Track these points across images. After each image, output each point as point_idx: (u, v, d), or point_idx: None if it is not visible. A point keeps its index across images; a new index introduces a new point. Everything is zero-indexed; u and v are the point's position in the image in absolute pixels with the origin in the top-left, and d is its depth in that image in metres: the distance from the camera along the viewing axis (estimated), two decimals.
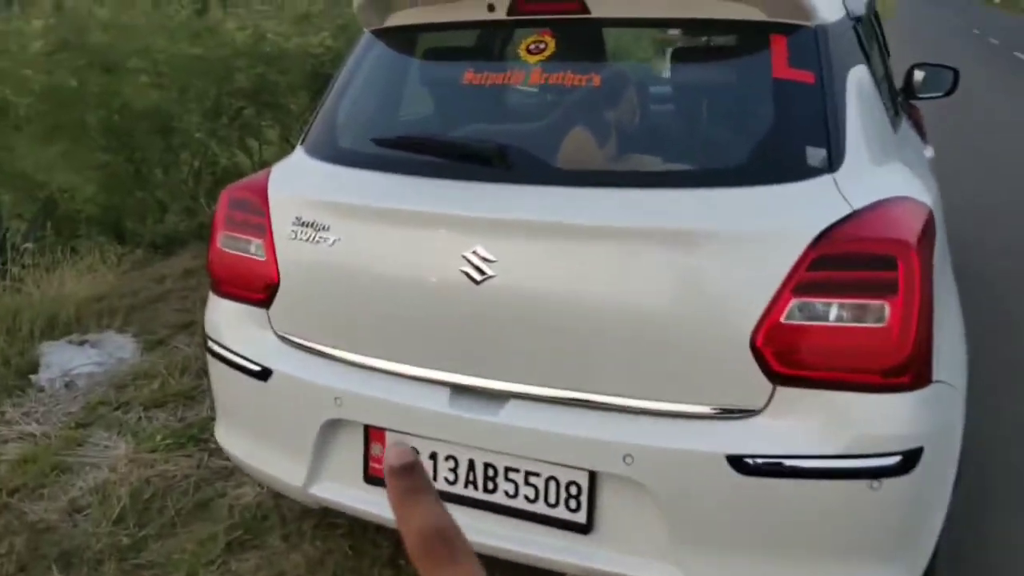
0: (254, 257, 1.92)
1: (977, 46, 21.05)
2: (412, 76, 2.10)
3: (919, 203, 1.66)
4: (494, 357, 1.69)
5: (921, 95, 3.42)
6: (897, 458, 1.48)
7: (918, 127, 3.42)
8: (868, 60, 1.95)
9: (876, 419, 1.50)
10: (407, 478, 0.42)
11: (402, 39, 2.06)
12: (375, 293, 1.78)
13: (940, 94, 3.41)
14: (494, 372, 1.70)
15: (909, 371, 1.49)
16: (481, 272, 1.63)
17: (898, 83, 3.43)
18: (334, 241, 1.80)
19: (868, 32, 2.47)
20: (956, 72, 3.39)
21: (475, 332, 1.69)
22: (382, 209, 1.77)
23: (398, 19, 2.01)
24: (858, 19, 2.00)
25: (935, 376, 1.53)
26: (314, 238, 1.82)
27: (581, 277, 1.60)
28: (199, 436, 2.76)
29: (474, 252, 1.64)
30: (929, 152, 3.02)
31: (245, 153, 6.54)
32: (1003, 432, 2.86)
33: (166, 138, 5.82)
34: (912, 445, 1.50)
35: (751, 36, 1.75)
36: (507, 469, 1.69)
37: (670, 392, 1.59)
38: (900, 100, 3.26)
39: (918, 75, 3.46)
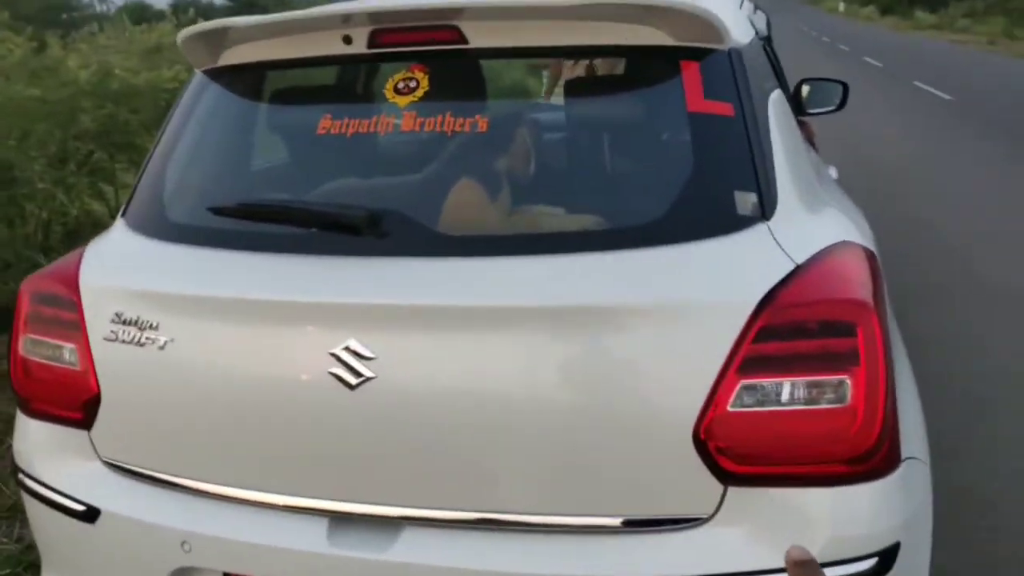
0: (67, 366, 1.51)
1: (828, 52, 22.27)
2: (257, 126, 1.73)
3: (860, 248, 1.44)
4: (380, 476, 1.35)
5: (811, 111, 3.31)
6: (872, 561, 1.24)
7: (811, 144, 3.31)
8: (782, 83, 1.74)
9: (846, 518, 1.25)
10: None
11: (243, 80, 1.70)
12: (221, 405, 1.41)
13: (831, 108, 3.32)
14: (382, 495, 1.35)
15: (878, 454, 1.25)
16: (356, 373, 1.29)
17: None
18: (165, 342, 1.41)
19: (771, 52, 2.29)
20: (845, 85, 3.31)
21: (354, 447, 1.35)
22: (223, 299, 1.40)
23: (235, 56, 1.65)
24: (766, 38, 1.79)
25: (904, 454, 1.30)
26: (139, 339, 1.43)
27: (481, 372, 1.29)
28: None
29: (346, 348, 1.29)
30: (833, 172, 2.89)
31: (100, 200, 5.95)
32: None
33: (7, 189, 5.19)
34: (889, 542, 1.26)
35: (659, 64, 1.49)
36: None
37: (601, 504, 1.29)
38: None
39: (806, 90, 3.36)
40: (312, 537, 1.36)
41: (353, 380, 1.29)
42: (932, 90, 12.95)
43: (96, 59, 7.08)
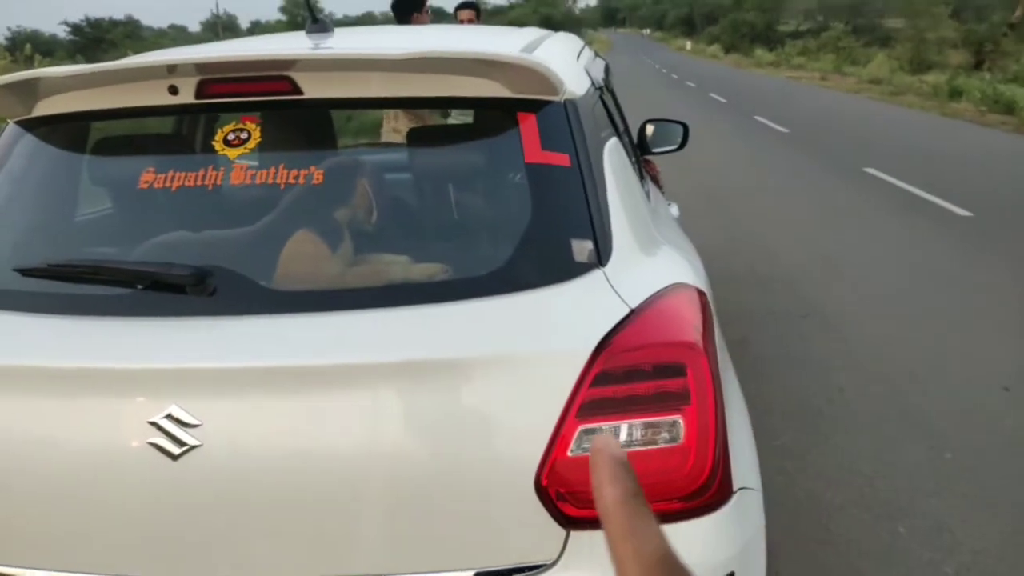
0: None
1: (677, 89, 23.52)
2: (73, 179, 1.62)
3: (691, 289, 1.51)
4: (211, 552, 1.28)
5: (655, 150, 3.47)
6: None
7: (655, 182, 3.46)
8: (617, 131, 1.81)
9: (682, 552, 1.29)
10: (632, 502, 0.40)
11: (60, 131, 1.59)
12: (40, 484, 1.30)
13: (674, 147, 3.48)
14: (215, 573, 1.28)
15: (711, 488, 1.30)
16: (179, 443, 1.22)
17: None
18: None
19: (609, 99, 2.38)
20: (685, 126, 3.48)
21: (181, 522, 1.27)
22: (30, 368, 1.29)
23: (51, 106, 1.55)
24: (602, 88, 1.86)
25: (736, 485, 1.37)
26: None
27: (316, 433, 1.25)
28: None
29: (167, 416, 1.22)
30: (675, 210, 3.03)
31: None
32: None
33: None
34: (723, 573, 1.31)
35: (497, 116, 1.52)
36: None
37: (450, 559, 1.28)
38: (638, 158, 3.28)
39: (650, 129, 3.52)
40: None
41: (176, 450, 1.22)
42: (771, 124, 13.92)
43: None
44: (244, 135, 1.46)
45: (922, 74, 23.69)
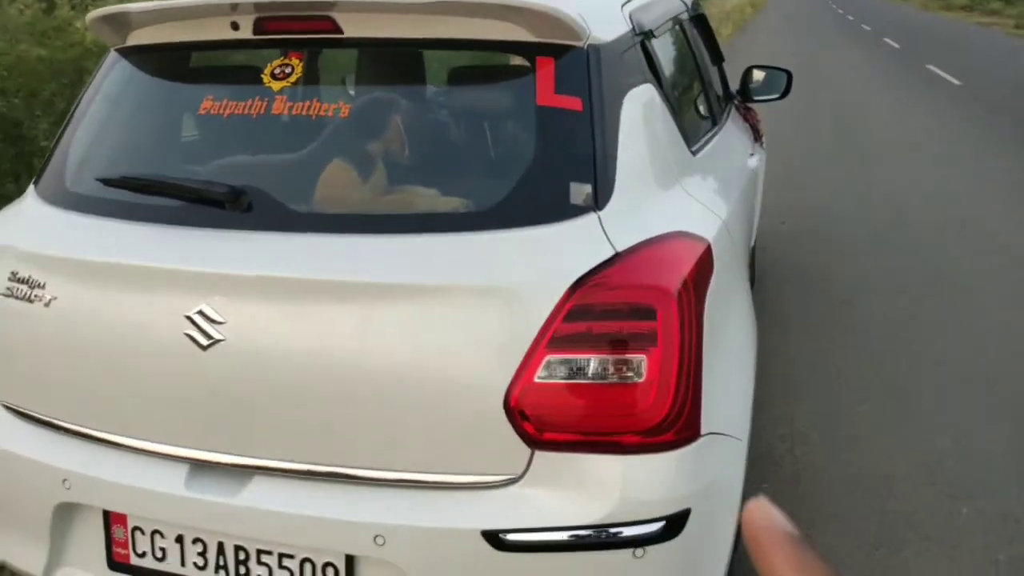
0: None
1: (849, 32, 21.92)
2: (156, 104, 1.85)
3: (694, 238, 1.54)
4: (232, 430, 1.49)
5: (757, 98, 3.38)
6: (660, 524, 1.37)
7: (754, 130, 3.38)
8: (658, 77, 1.83)
9: (638, 483, 1.38)
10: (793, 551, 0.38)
11: (147, 60, 1.81)
12: (96, 360, 1.55)
13: (776, 96, 3.38)
14: (234, 446, 1.50)
15: (672, 428, 1.37)
16: (207, 336, 1.42)
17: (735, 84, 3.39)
18: (50, 300, 1.55)
19: (676, 42, 2.36)
20: (789, 74, 3.37)
21: (208, 403, 1.49)
22: (97, 263, 1.53)
23: (141, 37, 1.76)
24: (648, 33, 1.87)
25: (704, 429, 1.42)
26: (29, 296, 1.57)
27: (321, 340, 1.41)
28: None
29: (199, 312, 1.43)
30: (754, 160, 2.96)
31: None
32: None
33: (16, 146, 5.36)
34: (677, 508, 1.38)
35: (519, 59, 1.59)
36: (259, 552, 1.50)
37: (424, 462, 1.43)
38: (736, 103, 3.21)
39: (757, 76, 3.42)
40: (173, 481, 1.51)
41: (204, 341, 1.42)
42: (943, 74, 12.81)
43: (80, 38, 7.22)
44: (288, 69, 1.62)
45: None
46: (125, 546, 1.59)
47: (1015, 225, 5.37)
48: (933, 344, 3.64)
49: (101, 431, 1.58)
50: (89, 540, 1.61)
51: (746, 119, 3.32)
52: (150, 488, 1.52)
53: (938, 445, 2.84)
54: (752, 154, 2.99)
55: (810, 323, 3.86)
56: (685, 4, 2.69)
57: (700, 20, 3.00)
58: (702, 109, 2.45)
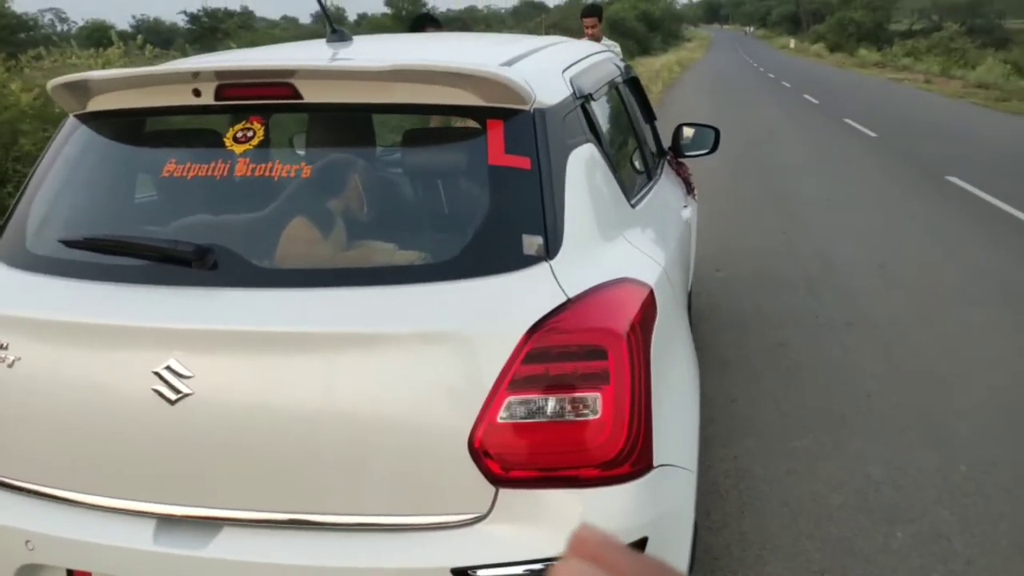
0: None
1: (770, 89, 22.99)
2: (117, 167, 1.90)
3: (638, 284, 1.66)
4: (200, 483, 1.52)
5: (688, 153, 3.57)
6: None
7: (686, 183, 3.57)
8: (598, 136, 1.96)
9: (598, 514, 1.46)
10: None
11: (107, 125, 1.87)
12: (62, 418, 1.57)
13: (705, 151, 3.58)
14: (202, 499, 1.53)
15: (627, 460, 1.46)
16: (175, 390, 1.47)
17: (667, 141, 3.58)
18: (13, 361, 1.57)
19: (612, 103, 2.52)
20: (717, 131, 3.57)
21: (176, 456, 1.52)
22: (63, 323, 1.57)
23: (101, 103, 1.82)
24: (587, 97, 2.02)
25: (656, 461, 1.52)
26: None
27: (287, 390, 1.47)
28: None
29: (167, 367, 1.47)
30: (687, 212, 3.14)
31: None
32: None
33: None
34: (635, 536, 1.47)
35: (471, 122, 1.70)
36: None
37: (393, 505, 1.48)
38: (668, 159, 3.40)
39: (687, 133, 3.62)
40: (140, 536, 1.53)
41: (172, 396, 1.47)
42: (860, 127, 13.55)
43: (41, 82, 7.17)
44: (250, 133, 1.70)
45: None
46: None
47: (929, 265, 5.70)
48: (862, 379, 3.83)
49: (65, 490, 1.59)
50: None
51: (678, 173, 3.51)
52: (117, 544, 1.53)
53: (872, 474, 3.00)
54: (685, 206, 3.17)
55: (748, 364, 4.03)
56: (619, 68, 2.88)
57: (633, 83, 3.20)
58: (638, 165, 2.60)
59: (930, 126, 13.81)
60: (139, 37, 12.39)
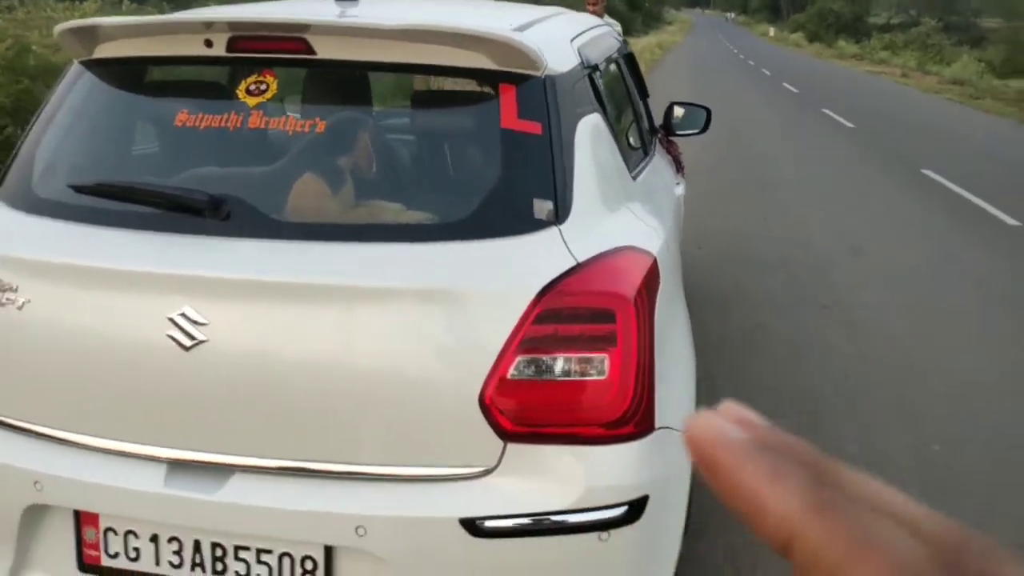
0: None
1: (751, 76, 23.12)
2: (124, 115, 1.89)
3: (643, 252, 1.69)
4: (212, 428, 1.54)
5: (679, 132, 3.60)
6: (623, 508, 1.49)
7: (676, 162, 3.61)
8: (603, 107, 1.99)
9: (602, 471, 1.50)
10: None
11: (113, 72, 1.85)
12: (73, 361, 1.58)
13: (696, 131, 3.61)
14: (213, 444, 1.54)
15: (631, 421, 1.50)
16: (190, 337, 1.48)
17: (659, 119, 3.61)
18: (23, 303, 1.57)
19: (613, 77, 2.55)
20: (708, 111, 3.60)
21: (189, 402, 1.53)
22: (76, 266, 1.57)
23: (107, 50, 1.81)
24: (594, 68, 2.04)
25: (658, 423, 1.56)
26: (1, 300, 1.59)
27: (302, 340, 1.49)
28: None
29: (181, 314, 1.48)
30: (680, 189, 3.18)
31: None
32: None
33: None
34: (637, 494, 1.51)
35: (482, 85, 1.72)
36: (237, 548, 1.55)
37: (402, 456, 1.51)
38: (659, 136, 3.44)
39: (678, 112, 3.65)
40: (151, 479, 1.54)
41: (187, 342, 1.48)
42: (837, 117, 13.70)
43: (13, 34, 7.01)
44: (263, 86, 1.70)
45: (1013, 78, 22.76)
46: (96, 547, 1.60)
47: (904, 251, 5.83)
48: (838, 358, 3.93)
49: (75, 433, 1.60)
50: (58, 543, 1.62)
51: (668, 151, 3.55)
52: (128, 487, 1.55)
53: (848, 451, 3.09)
54: (678, 183, 3.21)
55: (728, 343, 4.10)
56: (619, 42, 2.90)
57: (630, 58, 3.22)
58: (637, 139, 2.63)
59: (906, 120, 14.02)
60: None
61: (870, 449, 3.12)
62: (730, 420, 0.31)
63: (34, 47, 6.61)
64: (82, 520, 1.59)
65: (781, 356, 3.98)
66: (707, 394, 3.45)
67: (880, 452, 3.09)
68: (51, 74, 6.10)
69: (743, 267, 5.33)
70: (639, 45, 24.10)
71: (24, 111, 5.88)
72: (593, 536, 1.49)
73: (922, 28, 38.56)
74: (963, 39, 36.87)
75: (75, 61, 1.88)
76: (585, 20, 2.55)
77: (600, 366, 1.48)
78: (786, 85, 20.16)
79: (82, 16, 9.18)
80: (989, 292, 5.07)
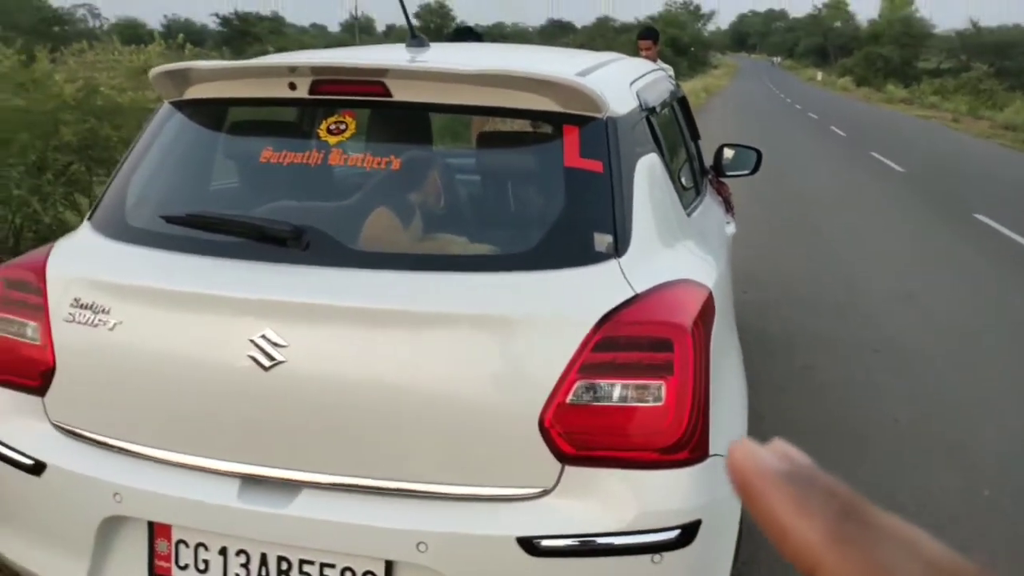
0: (29, 341, 1.78)
1: (797, 120, 23.04)
2: (210, 152, 2.04)
3: (699, 285, 1.76)
4: (285, 446, 1.63)
5: (729, 173, 3.67)
6: (676, 532, 1.54)
7: (726, 202, 3.67)
8: (660, 148, 2.07)
9: (656, 495, 1.55)
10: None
11: (202, 112, 2.00)
12: (157, 380, 1.69)
13: (747, 172, 3.67)
14: (286, 461, 1.63)
15: (686, 447, 1.55)
16: (270, 357, 1.58)
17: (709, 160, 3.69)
18: (115, 324, 1.69)
19: (667, 119, 2.64)
20: (759, 153, 3.67)
21: (265, 420, 1.63)
22: (164, 291, 1.69)
23: (198, 91, 1.96)
24: (651, 110, 2.13)
25: (712, 450, 1.61)
26: (93, 321, 1.71)
27: (374, 362, 1.58)
28: None
29: (263, 336, 1.58)
30: (731, 228, 3.24)
31: (73, 210, 6.20)
32: None
33: None
34: (690, 519, 1.56)
35: (547, 126, 1.82)
36: (302, 562, 1.62)
37: (464, 476, 1.59)
38: (710, 177, 3.51)
39: (728, 153, 3.72)
40: (225, 494, 1.63)
41: (267, 363, 1.58)
42: (887, 160, 13.61)
43: (83, 75, 7.39)
44: (343, 126, 1.82)
45: None
46: (168, 559, 1.69)
47: (956, 297, 5.76)
48: (886, 404, 3.90)
49: (156, 448, 1.70)
50: (131, 554, 1.71)
51: (719, 192, 3.61)
52: (202, 500, 1.64)
53: (898, 500, 3.07)
54: (728, 222, 3.27)
55: (774, 384, 4.10)
56: (673, 86, 3.00)
57: (683, 102, 3.31)
58: (690, 178, 2.71)
59: (957, 164, 13.85)
60: (180, 35, 12.71)
61: (919, 496, 3.09)
62: (774, 453, 0.34)
63: (102, 88, 6.95)
64: (156, 532, 1.68)
65: (828, 400, 3.96)
66: (752, 435, 3.48)
67: (930, 499, 3.06)
68: (117, 115, 6.39)
69: (792, 311, 5.32)
70: (684, 89, 24.28)
71: (88, 149, 6.18)
72: (646, 558, 1.53)
73: (973, 73, 38.16)
74: (1015, 84, 36.35)
75: (166, 101, 2.03)
76: (642, 65, 2.66)
77: (657, 393, 1.54)
78: (834, 128, 20.09)
79: (147, 58, 9.63)
80: None
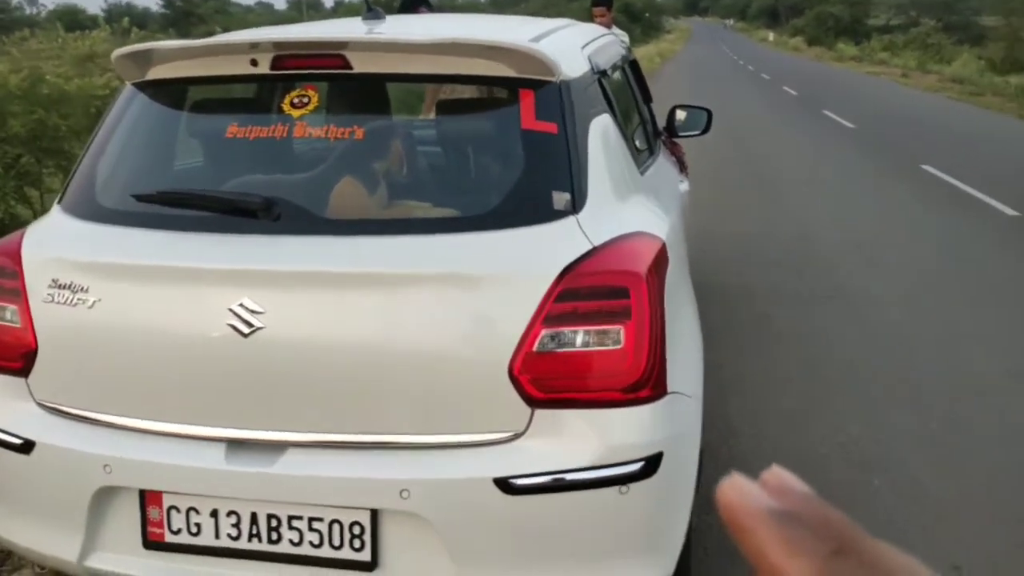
0: (9, 324, 1.83)
1: (750, 81, 23.28)
2: (176, 130, 2.08)
3: (652, 237, 1.87)
4: (268, 408, 1.71)
5: (682, 133, 3.78)
6: (640, 464, 1.66)
7: (680, 162, 3.78)
8: (612, 109, 2.17)
9: (620, 431, 1.67)
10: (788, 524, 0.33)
11: (165, 92, 2.04)
12: (139, 353, 1.75)
13: (698, 132, 3.77)
14: (269, 423, 1.71)
15: (646, 385, 1.67)
16: (248, 324, 1.65)
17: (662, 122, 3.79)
18: (93, 302, 1.75)
19: (619, 82, 2.73)
20: (710, 113, 3.77)
21: (247, 385, 1.71)
22: (141, 266, 1.75)
23: (160, 72, 2.00)
24: (603, 73, 2.22)
25: (670, 388, 1.73)
26: (72, 300, 1.76)
27: (349, 323, 1.66)
28: None
29: (241, 305, 1.65)
30: (684, 186, 3.36)
31: (24, 204, 6.10)
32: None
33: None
34: (653, 451, 1.68)
35: (503, 91, 1.90)
36: (290, 518, 1.71)
37: (440, 425, 1.68)
38: (663, 138, 3.61)
39: (680, 115, 3.82)
40: (212, 458, 1.71)
41: (246, 330, 1.65)
42: (838, 118, 13.87)
43: (27, 64, 7.22)
44: (305, 100, 1.88)
45: (1013, 74, 22.85)
46: (160, 525, 1.77)
47: (904, 243, 5.99)
48: (840, 347, 4.09)
49: (141, 419, 1.77)
50: (124, 523, 1.78)
51: (672, 152, 3.72)
52: (191, 465, 1.72)
53: (851, 431, 3.25)
54: (681, 180, 3.39)
55: (733, 333, 4.26)
56: (624, 50, 3.09)
57: (634, 65, 3.40)
58: (642, 138, 2.81)
59: (907, 118, 14.17)
60: (125, 19, 12.43)
61: (872, 429, 3.27)
62: (770, 487, 0.35)
63: (48, 76, 6.81)
64: (147, 500, 1.76)
65: (786, 346, 4.14)
66: (714, 385, 3.63)
67: (882, 432, 3.24)
68: (64, 103, 6.28)
69: (747, 263, 5.50)
70: (638, 55, 24.29)
71: (37, 141, 6.08)
72: (614, 490, 1.65)
73: (921, 28, 38.77)
74: (963, 38, 36.99)
75: (128, 83, 2.07)
76: (593, 30, 2.74)
77: (616, 337, 1.65)
78: (786, 88, 20.36)
79: (92, 44, 9.43)
80: (988, 280, 5.21)
